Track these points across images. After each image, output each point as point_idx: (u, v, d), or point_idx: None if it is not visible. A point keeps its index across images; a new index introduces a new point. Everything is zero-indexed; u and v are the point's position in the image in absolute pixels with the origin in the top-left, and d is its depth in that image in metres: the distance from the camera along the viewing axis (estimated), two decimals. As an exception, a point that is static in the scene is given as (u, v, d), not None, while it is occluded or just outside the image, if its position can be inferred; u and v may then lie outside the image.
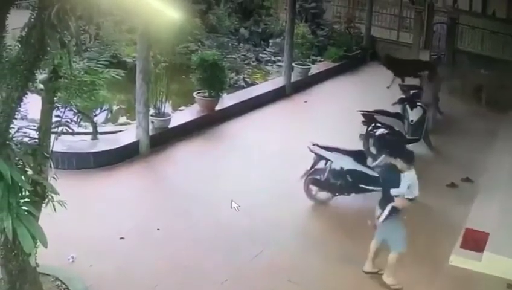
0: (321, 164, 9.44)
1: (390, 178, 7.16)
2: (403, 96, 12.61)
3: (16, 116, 5.55)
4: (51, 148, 6.11)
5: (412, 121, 11.91)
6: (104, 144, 10.75)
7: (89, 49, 6.78)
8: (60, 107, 6.29)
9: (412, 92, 12.82)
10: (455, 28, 18.79)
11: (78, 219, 7.89)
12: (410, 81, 14.10)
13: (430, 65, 16.17)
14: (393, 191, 7.04)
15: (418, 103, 12.13)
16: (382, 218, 7.13)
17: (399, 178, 7.05)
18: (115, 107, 14.02)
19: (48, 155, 6.02)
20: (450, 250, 8.17)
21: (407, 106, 12.14)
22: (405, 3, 21.27)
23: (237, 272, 7.43)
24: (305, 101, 15.19)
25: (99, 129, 11.37)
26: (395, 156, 7.17)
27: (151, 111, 11.41)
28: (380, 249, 7.52)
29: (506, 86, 15.78)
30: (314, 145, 9.42)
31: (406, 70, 15.65)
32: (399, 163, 7.09)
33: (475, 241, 8.16)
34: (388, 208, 7.07)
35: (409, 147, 10.55)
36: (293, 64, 16.15)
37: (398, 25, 21.40)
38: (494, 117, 14.86)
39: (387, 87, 15.20)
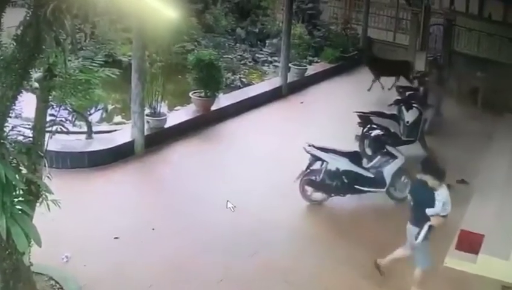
0: (317, 165, 9.44)
1: (423, 196, 6.91)
2: (399, 98, 12.61)
3: (10, 115, 5.54)
4: (45, 147, 6.10)
5: (407, 122, 11.91)
6: (99, 144, 10.72)
7: (84, 48, 6.77)
8: (54, 106, 6.28)
9: (407, 93, 12.82)
10: (452, 30, 18.80)
11: (72, 219, 7.88)
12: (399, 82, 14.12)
13: (408, 65, 16.49)
14: (429, 212, 6.81)
15: (414, 105, 12.13)
16: (420, 238, 6.90)
17: (432, 196, 6.82)
18: (110, 107, 13.98)
19: (42, 154, 6.01)
20: (444, 252, 8.17)
21: (403, 107, 12.14)
22: (402, 5, 21.28)
23: (232, 272, 7.42)
24: (302, 102, 15.18)
25: (94, 128, 11.33)
26: (426, 173, 6.91)
27: (147, 111, 11.39)
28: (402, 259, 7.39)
29: (502, 88, 15.80)
30: (310, 146, 9.42)
31: (385, 70, 16.04)
32: (430, 180, 6.85)
33: (470, 243, 8.17)
34: (425, 227, 6.87)
35: (404, 148, 10.60)
36: (290, 64, 16.14)
37: (394, 27, 21.42)
38: (490, 119, 14.88)
39: (368, 90, 15.73)
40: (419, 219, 6.94)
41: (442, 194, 6.84)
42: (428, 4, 20.11)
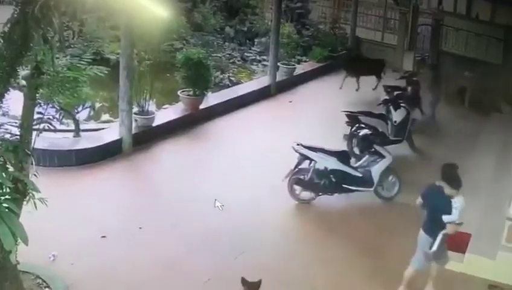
0: (305, 164, 9.46)
1: (440, 203, 6.82)
2: (387, 98, 12.67)
3: (-3, 113, 5.50)
4: (32, 145, 6.05)
5: (395, 122, 11.97)
6: (86, 142, 10.67)
7: (72, 46, 6.75)
8: (42, 104, 6.22)
9: (395, 93, 12.88)
10: (439, 30, 18.93)
11: (60, 217, 7.82)
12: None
13: (381, 63, 16.64)
14: (446, 218, 6.73)
15: (402, 104, 12.19)
16: (435, 247, 6.82)
17: (449, 203, 6.74)
18: (97, 105, 13.92)
19: (29, 152, 5.96)
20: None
21: (391, 107, 12.20)
22: (390, 5, 21.37)
23: (220, 272, 7.41)
24: (290, 101, 15.20)
25: (82, 126, 11.27)
26: (444, 180, 6.81)
27: (135, 109, 11.34)
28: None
29: (489, 88, 15.93)
30: (298, 145, 9.43)
31: (360, 70, 16.17)
32: (447, 188, 6.76)
33: (457, 243, 8.18)
34: (440, 236, 6.81)
35: (392, 147, 10.65)
36: (278, 63, 16.15)
37: (382, 26, 21.50)
38: (477, 119, 15.01)
39: (340, 88, 15.84)
40: (434, 227, 6.84)
41: (459, 202, 6.74)
42: (416, 4, 20.23)
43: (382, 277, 7.66)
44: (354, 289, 7.42)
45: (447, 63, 17.50)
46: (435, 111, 14.34)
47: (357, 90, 16.00)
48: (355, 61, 17.07)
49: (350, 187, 9.54)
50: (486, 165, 11.36)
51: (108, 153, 10.53)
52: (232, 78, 16.45)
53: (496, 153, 12.14)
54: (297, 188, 9.48)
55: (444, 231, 6.78)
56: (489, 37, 17.79)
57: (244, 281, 5.72)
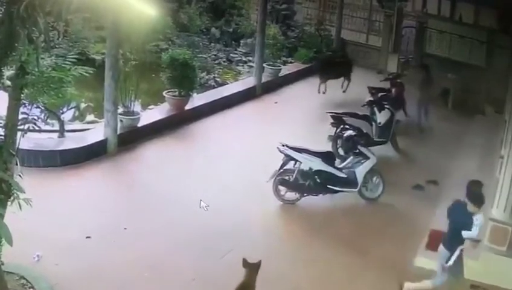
0: (290, 165, 9.50)
1: (462, 219, 6.86)
2: (371, 99, 12.76)
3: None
4: (17, 145, 6.03)
5: (379, 123, 12.07)
6: (71, 142, 10.62)
7: (57, 46, 6.71)
8: (27, 104, 6.20)
9: (380, 94, 12.97)
10: (424, 32, 19.08)
11: (44, 218, 7.79)
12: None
13: (348, 64, 16.66)
14: (466, 234, 6.78)
15: (386, 106, 12.29)
16: (451, 262, 6.88)
17: (470, 220, 6.77)
18: (82, 105, 13.87)
19: (13, 152, 5.94)
20: (415, 251, 8.30)
21: (375, 108, 12.29)
22: (375, 7, 21.49)
23: (205, 271, 7.44)
24: (276, 102, 15.24)
25: (67, 127, 11.23)
26: (469, 197, 6.86)
27: (120, 109, 11.31)
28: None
29: (472, 90, 16.10)
30: (283, 145, 9.48)
31: (326, 73, 15.90)
32: (470, 205, 6.80)
33: (440, 243, 8.28)
34: (457, 251, 6.86)
35: (376, 148, 10.74)
36: (264, 64, 16.19)
37: (367, 28, 21.62)
38: (460, 121, 15.17)
39: (319, 92, 15.48)
40: (453, 241, 6.89)
41: (480, 219, 6.79)
42: (400, 6, 20.35)
43: (365, 276, 7.73)
44: (337, 288, 7.46)
45: (431, 65, 17.63)
46: (427, 111, 14.42)
47: (323, 92, 15.60)
48: (324, 64, 16.59)
49: (335, 188, 9.61)
50: (469, 167, 11.48)
51: (93, 153, 10.50)
52: (218, 79, 16.47)
53: (478, 154, 12.30)
54: (282, 188, 9.52)
55: (461, 247, 6.84)
56: (472, 40, 17.94)
57: (245, 263, 6.21)
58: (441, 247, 7.05)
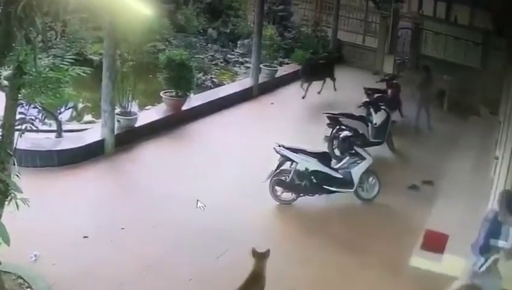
0: (286, 165, 9.53)
1: (497, 228, 6.71)
2: (368, 100, 12.81)
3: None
4: (14, 145, 6.04)
5: (375, 124, 12.12)
6: (69, 142, 10.64)
7: (54, 46, 6.72)
8: (24, 104, 6.22)
9: (376, 95, 13.02)
10: (419, 34, 19.15)
11: (41, 217, 7.80)
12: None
13: (330, 63, 16.77)
14: (501, 244, 6.66)
15: (382, 107, 12.34)
16: (484, 268, 6.73)
17: (499, 228, 6.68)
18: (80, 105, 13.88)
19: (11, 152, 5.95)
20: (410, 251, 8.34)
21: (372, 109, 12.35)
22: (371, 8, 21.57)
23: (201, 272, 7.46)
24: (272, 103, 15.29)
25: (64, 127, 11.25)
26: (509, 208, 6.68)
27: (117, 110, 11.33)
28: None
29: (468, 91, 16.17)
30: (279, 146, 9.50)
31: (310, 74, 15.89)
32: (502, 215, 6.68)
33: (435, 243, 8.33)
34: (491, 259, 6.71)
35: (372, 149, 10.78)
36: (261, 65, 16.23)
37: (363, 30, 21.69)
38: (456, 122, 15.22)
39: (303, 97, 15.38)
40: (486, 250, 6.75)
41: None
42: (396, 8, 20.44)
43: (361, 276, 7.77)
44: (333, 288, 7.50)
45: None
46: (429, 112, 14.47)
47: (303, 97, 15.50)
48: (307, 67, 16.36)
49: (331, 188, 9.64)
50: (464, 167, 11.54)
51: (90, 153, 10.51)
52: (215, 80, 16.51)
53: (473, 155, 12.34)
54: (278, 189, 9.55)
55: (496, 256, 6.73)
56: (467, 41, 18.03)
57: (254, 252, 6.57)
58: (474, 251, 6.89)
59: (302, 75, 16.06)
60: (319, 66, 16.46)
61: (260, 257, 6.58)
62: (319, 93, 15.94)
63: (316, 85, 16.04)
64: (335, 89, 16.19)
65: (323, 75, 16.19)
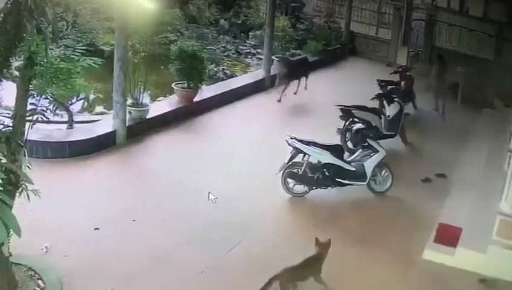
0: (299, 158, 9.47)
1: None
2: (381, 92, 12.70)
3: (-10, 103, 5.48)
4: (25, 136, 6.02)
5: (388, 116, 12.02)
6: (80, 134, 10.64)
7: (65, 37, 6.69)
8: (35, 95, 6.19)
9: (389, 87, 12.91)
10: (433, 25, 18.97)
11: (53, 209, 7.81)
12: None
13: (306, 62, 16.18)
14: None
15: (395, 99, 12.24)
16: None
17: None
18: (91, 96, 13.88)
19: (22, 143, 5.94)
20: (423, 244, 8.27)
21: (385, 101, 12.25)
22: (384, 0, 21.41)
23: (214, 264, 7.42)
24: (285, 94, 15.19)
25: (75, 118, 11.25)
26: None
27: (129, 101, 11.31)
28: None
29: (481, 83, 16.00)
30: (292, 138, 9.44)
31: (287, 74, 14.86)
32: None
33: (448, 236, 8.27)
34: None
35: (385, 142, 10.68)
36: (273, 57, 16.14)
37: (377, 21, 21.53)
38: (469, 114, 15.09)
39: (279, 101, 14.36)
40: None
41: None
42: (410, -1, 20.28)
43: (374, 269, 7.70)
44: (345, 281, 7.43)
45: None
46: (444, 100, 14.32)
47: (279, 101, 14.41)
48: (284, 67, 15.08)
49: (343, 181, 9.57)
50: (478, 160, 11.43)
51: (102, 145, 10.50)
52: (227, 71, 16.45)
53: (487, 148, 12.21)
54: (290, 181, 9.49)
55: None
56: (481, 33, 17.85)
57: (317, 241, 7.05)
58: None
59: (281, 75, 14.87)
60: (296, 66, 15.66)
61: (322, 246, 7.01)
62: (294, 93, 15.03)
63: (330, 76, 15.95)
64: (305, 88, 15.37)
65: (301, 74, 15.29)
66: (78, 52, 6.37)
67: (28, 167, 6.07)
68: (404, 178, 10.34)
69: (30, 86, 5.96)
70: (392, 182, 9.89)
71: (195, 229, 8.17)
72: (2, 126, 5.95)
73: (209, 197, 8.95)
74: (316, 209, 9.36)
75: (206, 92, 13.64)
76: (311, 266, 6.94)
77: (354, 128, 10.85)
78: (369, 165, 9.67)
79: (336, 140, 10.78)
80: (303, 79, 15.30)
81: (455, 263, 7.86)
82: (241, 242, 7.94)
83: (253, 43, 19.34)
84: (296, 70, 15.26)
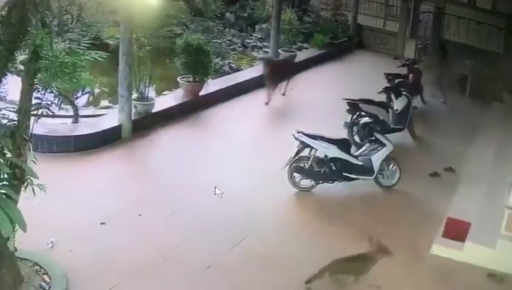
0: (305, 152, 9.41)
1: None
2: (388, 85, 12.60)
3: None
4: (30, 130, 6.00)
5: (396, 110, 11.93)
6: (85, 128, 10.61)
7: (70, 30, 6.65)
8: (40, 89, 6.15)
9: (397, 80, 12.81)
10: (441, 18, 18.83)
11: (58, 203, 7.79)
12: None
13: (291, 63, 14.92)
14: None
15: (403, 92, 12.14)
16: None
17: None
18: (96, 90, 13.85)
19: (27, 138, 5.92)
20: (432, 239, 8.21)
21: (392, 95, 12.16)
22: (392, -8, 21.29)
23: (219, 259, 7.38)
24: (291, 88, 15.10)
25: (81, 112, 11.22)
26: None
27: (134, 95, 11.27)
28: None
29: (490, 77, 15.88)
30: (298, 132, 9.38)
31: (273, 77, 13.74)
32: None
33: (457, 231, 8.22)
34: None
35: (393, 135, 10.60)
36: (279, 50, 16.04)
37: (384, 14, 21.39)
38: (478, 108, 14.98)
39: (267, 103, 13.36)
40: None
41: None
42: (418, -9, 20.13)
43: (381, 264, 7.62)
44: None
45: (448, 51, 17.44)
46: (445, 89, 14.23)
47: (266, 103, 13.46)
48: (267, 68, 13.86)
49: (350, 175, 9.50)
50: (486, 154, 11.34)
51: (107, 139, 10.47)
52: (233, 65, 16.37)
53: (496, 142, 12.11)
54: (297, 176, 9.43)
55: None
56: (490, 26, 17.71)
57: (375, 242, 6.89)
58: None
59: (267, 77, 13.70)
60: (282, 67, 14.35)
61: (380, 248, 6.82)
62: (283, 94, 14.18)
63: (337, 70, 15.84)
64: (290, 88, 14.37)
65: (287, 76, 14.25)
66: (83, 46, 6.32)
67: (33, 161, 6.05)
68: (412, 172, 10.26)
69: (35, 80, 5.93)
70: (400, 176, 9.82)
71: (201, 224, 8.13)
72: (7, 120, 5.93)
73: (215, 191, 8.90)
74: (322, 204, 9.30)
75: (212, 86, 13.57)
76: (361, 262, 6.82)
77: (361, 122, 10.77)
78: (377, 159, 9.59)
79: (343, 134, 10.70)
80: (290, 79, 14.33)
81: (464, 258, 7.80)
82: (247, 237, 7.90)
83: (259, 36, 19.24)
84: (280, 71, 13.99)
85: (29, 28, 5.37)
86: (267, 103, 13.45)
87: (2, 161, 5.38)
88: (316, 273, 6.74)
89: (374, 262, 6.83)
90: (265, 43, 17.90)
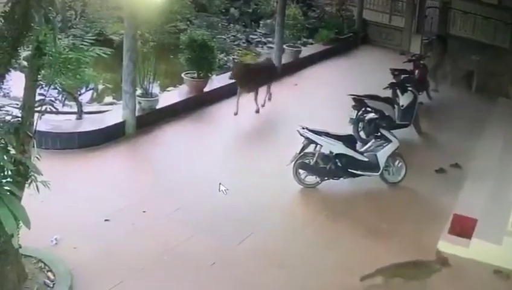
0: (310, 148, 9.37)
1: None
2: (394, 81, 12.53)
3: (-2, 94, 5.43)
4: (34, 127, 5.97)
5: (402, 105, 11.87)
6: (89, 124, 10.58)
7: (74, 26, 6.62)
8: (44, 85, 6.12)
9: (402, 76, 12.74)
10: (447, 13, 18.74)
11: (62, 200, 7.77)
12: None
13: (272, 67, 13.79)
14: None
15: (409, 88, 12.08)
16: None
17: None
18: (100, 87, 13.82)
19: (31, 134, 5.89)
20: (438, 236, 8.16)
21: (398, 91, 12.10)
22: (397, -13, 21.17)
23: (224, 256, 7.36)
24: (296, 84, 15.06)
25: (85, 109, 11.20)
26: None
27: (138, 91, 11.23)
28: None
29: (497, 72, 15.80)
30: (303, 128, 9.33)
31: (251, 82, 12.49)
32: None
33: (463, 227, 8.19)
34: None
35: (399, 131, 10.54)
36: (284, 46, 15.98)
37: (390, 9, 21.28)
38: (484, 103, 14.90)
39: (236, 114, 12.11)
40: None
41: None
42: (424, -14, 20.03)
43: (387, 260, 7.59)
44: (357, 272, 7.33)
45: (454, 46, 17.35)
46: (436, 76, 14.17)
47: (236, 114, 12.16)
48: (244, 72, 12.53)
49: (356, 172, 9.46)
50: (493, 150, 11.28)
51: (111, 135, 10.44)
52: (237, 61, 16.30)
53: (502, 138, 12.05)
54: (302, 172, 9.39)
55: None
56: (497, 21, 17.62)
57: (438, 254, 7.21)
58: None
59: (239, 82, 12.42)
60: (254, 72, 12.76)
61: (441, 260, 6.96)
62: (263, 106, 12.82)
63: (342, 66, 15.77)
64: (263, 105, 12.93)
65: (266, 81, 13.08)
66: (87, 42, 6.28)
67: (37, 158, 6.02)
68: (418, 168, 10.21)
69: (39, 76, 5.90)
70: (406, 172, 9.77)
71: (205, 221, 8.11)
72: (10, 117, 5.90)
73: (219, 188, 8.86)
74: (328, 200, 9.26)
75: (216, 81, 13.51)
76: (419, 269, 6.87)
77: (366, 118, 10.71)
78: (382, 155, 9.54)
79: (348, 130, 10.65)
80: (269, 86, 13.17)
81: (470, 255, 7.76)
82: (252, 234, 7.87)
83: (263, 31, 19.17)
84: (255, 77, 12.58)
85: (32, 24, 5.34)
86: (235, 114, 12.10)
87: (6, 157, 5.36)
88: (372, 273, 6.82)
89: (430, 271, 6.84)
90: (270, 39, 17.83)
